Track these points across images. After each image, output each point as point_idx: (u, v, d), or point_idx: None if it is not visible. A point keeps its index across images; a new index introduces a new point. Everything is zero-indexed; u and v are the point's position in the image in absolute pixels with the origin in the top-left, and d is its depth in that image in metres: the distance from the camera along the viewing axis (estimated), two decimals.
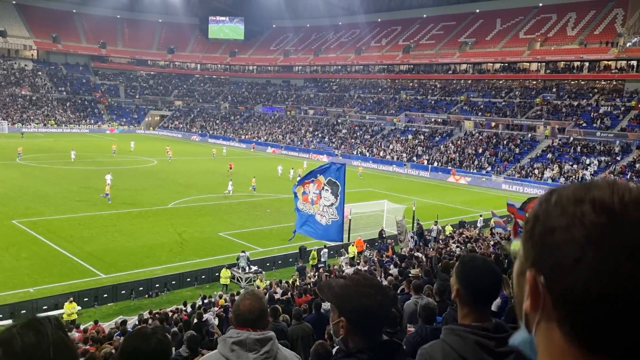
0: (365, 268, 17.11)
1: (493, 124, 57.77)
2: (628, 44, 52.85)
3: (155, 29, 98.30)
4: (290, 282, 17.16)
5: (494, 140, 54.40)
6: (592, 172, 43.56)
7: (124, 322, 13.01)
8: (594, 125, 49.64)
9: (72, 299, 15.71)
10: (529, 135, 53.40)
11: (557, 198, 0.75)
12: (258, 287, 17.60)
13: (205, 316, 11.61)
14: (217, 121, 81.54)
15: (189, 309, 14.35)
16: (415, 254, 17.73)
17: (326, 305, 8.98)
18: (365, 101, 73.72)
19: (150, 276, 19.34)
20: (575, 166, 45.15)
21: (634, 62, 52.70)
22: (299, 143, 66.88)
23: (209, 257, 22.11)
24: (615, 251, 0.67)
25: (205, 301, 15.60)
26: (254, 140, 70.97)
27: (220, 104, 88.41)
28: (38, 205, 28.90)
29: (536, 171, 46.25)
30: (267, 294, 14.35)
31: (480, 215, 29.71)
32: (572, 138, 49.31)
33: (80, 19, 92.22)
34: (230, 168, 43.66)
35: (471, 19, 72.90)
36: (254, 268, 20.51)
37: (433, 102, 66.37)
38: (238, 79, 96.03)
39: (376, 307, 1.81)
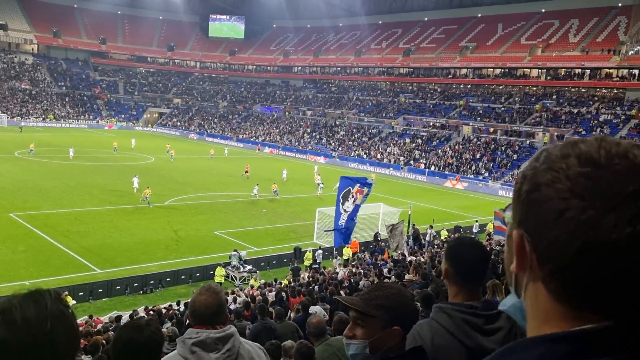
0: (360, 271, 17.22)
1: (491, 129, 57.94)
2: (630, 52, 53.06)
3: (155, 26, 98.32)
4: (284, 282, 17.26)
5: (492, 146, 54.57)
6: None
7: (119, 318, 13.09)
8: (594, 133, 49.75)
9: (67, 292, 15.78)
10: (528, 141, 53.59)
11: (546, 155, 0.74)
12: (252, 287, 17.69)
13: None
14: (215, 120, 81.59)
15: (182, 308, 14.44)
16: (409, 259, 17.84)
17: (314, 308, 9.05)
18: (364, 103, 73.85)
19: (145, 272, 19.42)
20: None
21: (636, 71, 52.81)
22: (297, 144, 66.96)
23: (204, 255, 22.20)
24: (599, 202, 0.65)
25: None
26: (252, 140, 71.04)
27: (219, 102, 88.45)
28: (36, 199, 28.94)
29: None
30: (261, 294, 14.47)
31: (476, 221, 29.85)
32: None
33: (81, 14, 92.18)
34: (247, 172, 41.43)
35: (472, 23, 73.08)
36: (248, 267, 20.60)
37: (432, 106, 66.53)
38: (237, 78, 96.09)
39: (409, 299, 1.83)
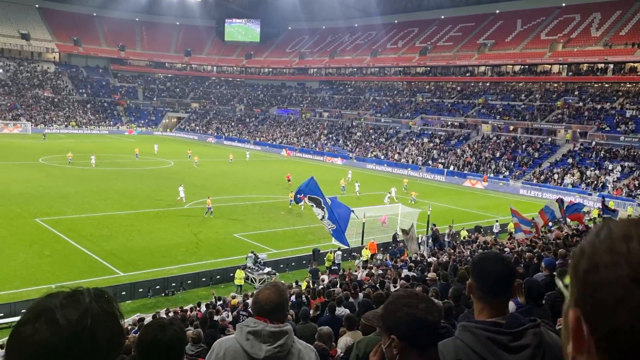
0: (379, 272, 17.13)
1: (512, 127, 57.11)
2: None
3: (172, 31, 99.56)
4: (303, 285, 17.26)
5: (512, 144, 53.77)
6: (615, 178, 42.68)
7: (141, 320, 13.26)
8: (618, 129, 48.52)
9: None
10: (549, 139, 52.62)
11: (606, 233, 0.70)
12: None
13: (217, 318, 11.77)
14: (233, 123, 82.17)
15: (203, 309, 14.55)
16: (429, 259, 17.68)
17: (340, 310, 9.03)
18: (380, 104, 73.56)
19: (167, 275, 19.65)
20: (597, 172, 44.25)
21: None
22: (314, 146, 67.02)
23: (223, 258, 22.36)
24: None
25: (220, 302, 15.78)
26: (270, 142, 71.34)
27: (236, 106, 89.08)
28: (60, 205, 29.53)
29: (556, 176, 45.53)
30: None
31: (497, 221, 29.45)
32: (594, 142, 48.35)
33: (101, 22, 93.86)
34: (289, 180, 39.54)
35: (491, 20, 72.18)
36: (267, 269, 20.68)
37: (450, 105, 65.91)
38: (253, 81, 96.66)
39: (422, 315, 1.77)
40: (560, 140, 52.05)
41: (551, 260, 8.91)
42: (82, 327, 0.96)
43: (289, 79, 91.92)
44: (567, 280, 0.75)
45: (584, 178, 43.91)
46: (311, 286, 16.54)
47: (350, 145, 64.37)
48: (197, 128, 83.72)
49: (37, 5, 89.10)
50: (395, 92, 75.54)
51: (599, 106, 53.11)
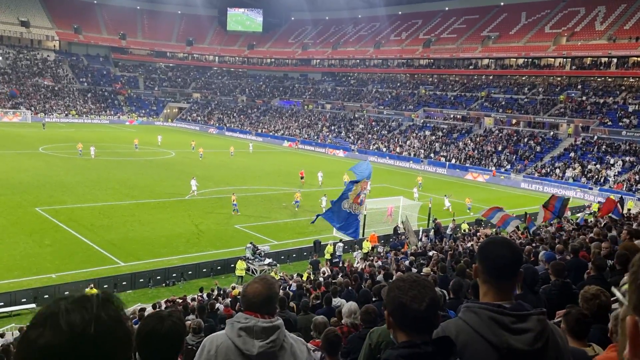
0: (379, 263, 17.09)
1: (514, 121, 56.90)
2: None
3: (174, 20, 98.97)
4: (304, 276, 17.24)
5: (515, 137, 53.61)
6: (617, 172, 42.61)
7: (142, 310, 13.24)
8: (620, 124, 48.37)
9: (92, 285, 16.04)
10: (551, 133, 52.46)
11: None
12: None
13: (217, 306, 11.76)
14: (235, 114, 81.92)
15: (205, 297, 14.55)
16: (430, 253, 17.62)
17: (336, 301, 9.03)
18: (383, 96, 73.27)
19: (168, 265, 19.63)
20: (598, 166, 44.22)
21: None
22: (316, 137, 66.85)
23: (225, 249, 22.33)
24: None
25: (221, 292, 15.77)
26: (271, 134, 71.16)
27: (238, 97, 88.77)
28: (60, 194, 29.48)
29: (557, 170, 45.46)
30: (281, 287, 14.47)
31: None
32: (596, 137, 48.24)
33: (101, 10, 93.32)
34: (302, 177, 38.14)
35: (495, 13, 71.66)
36: (268, 260, 20.66)
37: (453, 97, 65.64)
38: (256, 72, 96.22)
39: (408, 301, 1.81)
40: (562, 134, 51.89)
41: (551, 254, 8.86)
42: (86, 333, 0.98)
43: (292, 70, 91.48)
44: (625, 287, 0.76)
45: (585, 172, 43.83)
46: (311, 278, 16.52)
47: (352, 137, 64.20)
48: (199, 118, 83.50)
49: None
50: (398, 84, 75.20)
51: (601, 100, 52.89)
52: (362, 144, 61.74)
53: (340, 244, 21.91)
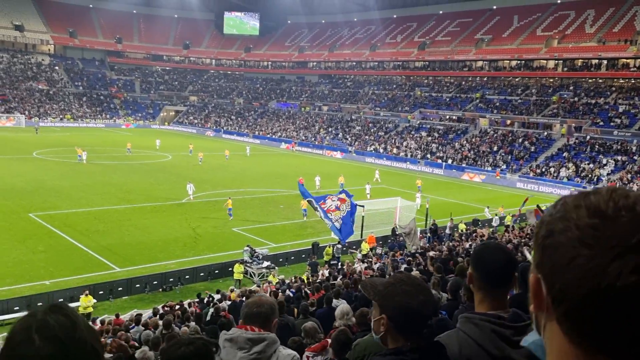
0: (378, 265, 17.05)
1: (509, 121, 57.13)
2: None
3: (171, 24, 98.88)
4: (303, 278, 17.17)
5: (510, 138, 53.83)
6: (609, 172, 42.88)
7: (139, 315, 13.13)
8: (612, 124, 48.84)
9: (87, 292, 15.87)
10: (545, 133, 52.74)
11: (562, 204, 0.80)
12: (270, 283, 17.64)
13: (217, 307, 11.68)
14: (232, 117, 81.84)
15: (205, 300, 14.47)
16: (428, 253, 17.60)
17: (337, 301, 8.96)
18: (379, 98, 73.41)
19: (165, 270, 19.49)
20: (591, 165, 44.48)
21: None
22: (313, 139, 66.86)
23: (222, 252, 22.21)
24: (604, 251, 0.71)
25: (218, 296, 15.67)
26: (269, 136, 71.11)
27: (235, 99, 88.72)
28: (55, 199, 29.28)
29: (552, 170, 45.68)
30: (280, 290, 14.40)
31: (496, 214, 29.44)
32: (588, 137, 48.59)
33: (97, 13, 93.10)
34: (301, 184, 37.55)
35: (488, 16, 72.09)
36: (266, 263, 20.57)
37: (448, 99, 65.86)
38: (253, 74, 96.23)
39: (417, 306, 1.78)
40: (555, 134, 52.15)
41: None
42: (74, 333, 0.97)
43: (288, 73, 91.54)
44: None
45: (579, 171, 44.08)
46: (310, 280, 16.46)
47: (349, 139, 64.25)
48: (196, 121, 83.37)
49: None
50: (394, 86, 75.38)
51: (593, 101, 53.39)
52: (359, 145, 61.79)
53: (339, 246, 21.87)
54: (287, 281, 17.07)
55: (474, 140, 55.48)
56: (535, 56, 60.93)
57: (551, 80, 61.10)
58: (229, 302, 13.77)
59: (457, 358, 1.89)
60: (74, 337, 0.96)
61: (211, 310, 11.61)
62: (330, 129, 68.78)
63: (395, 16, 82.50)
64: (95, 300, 16.13)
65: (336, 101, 77.12)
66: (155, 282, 18.69)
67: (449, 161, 52.46)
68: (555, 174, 44.91)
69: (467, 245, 18.64)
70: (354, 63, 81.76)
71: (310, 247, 22.35)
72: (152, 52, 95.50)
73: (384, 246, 23.53)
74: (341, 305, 6.88)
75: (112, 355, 6.67)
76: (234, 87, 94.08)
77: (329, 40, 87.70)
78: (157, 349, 7.58)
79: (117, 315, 14.07)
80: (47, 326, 0.96)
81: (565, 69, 59.20)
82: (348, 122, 69.18)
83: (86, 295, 15.70)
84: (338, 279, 14.38)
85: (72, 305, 15.80)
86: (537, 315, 0.81)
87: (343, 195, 21.92)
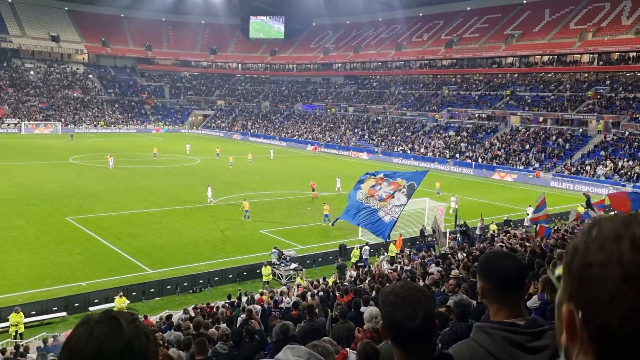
0: (408, 267, 16.85)
1: (541, 118, 55.75)
2: None
3: (198, 30, 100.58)
4: (330, 280, 17.12)
5: (542, 135, 52.49)
6: None
7: (169, 317, 13.35)
8: None
9: (121, 293, 16.26)
10: (580, 130, 51.14)
11: (598, 232, 0.74)
12: (299, 285, 17.66)
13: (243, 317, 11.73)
14: (259, 120, 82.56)
15: (235, 302, 14.57)
16: (457, 254, 17.31)
17: (365, 307, 8.87)
18: (406, 98, 72.78)
19: (195, 272, 19.77)
20: (630, 162, 42.87)
21: None
22: (339, 141, 66.78)
23: (250, 254, 22.38)
24: None
25: (246, 298, 15.78)
26: (295, 138, 71.38)
27: (261, 102, 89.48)
28: (89, 203, 30.12)
29: (588, 168, 44.25)
30: (306, 292, 14.40)
31: (528, 214, 28.71)
32: (627, 133, 46.86)
33: (128, 22, 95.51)
34: (313, 190, 34.25)
35: (518, 11, 70.57)
36: (293, 265, 20.61)
37: (477, 97, 64.73)
38: (278, 77, 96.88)
39: (399, 319, 1.72)
40: (591, 130, 50.52)
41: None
42: (117, 346, 1.04)
43: (314, 75, 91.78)
44: (559, 271, 0.79)
45: (617, 169, 42.54)
46: (338, 282, 16.40)
47: (375, 140, 63.91)
48: (223, 125, 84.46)
49: (66, 8, 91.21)
50: (421, 85, 74.61)
51: (631, 95, 51.44)
52: (385, 146, 61.37)
53: (367, 247, 21.73)
54: (315, 283, 17.06)
55: (504, 138, 54.35)
56: (569, 50, 59.24)
57: (586, 74, 59.35)
58: (258, 306, 13.83)
59: None
60: (124, 343, 1.03)
61: (242, 315, 11.67)
62: (356, 130, 68.58)
63: (420, 14, 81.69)
64: (128, 302, 16.50)
65: (362, 102, 76.85)
66: (185, 284, 18.98)
67: (479, 160, 51.53)
68: (591, 172, 43.48)
69: (497, 246, 18.22)
70: (380, 63, 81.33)
71: (338, 249, 22.31)
72: (181, 58, 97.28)
73: (411, 247, 23.27)
74: (370, 308, 6.86)
75: None
76: (260, 90, 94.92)
77: (354, 41, 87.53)
78: (188, 350, 7.68)
79: (146, 317, 14.32)
80: (99, 334, 1.04)
81: (601, 62, 57.29)
82: (374, 123, 68.84)
83: (120, 296, 16.08)
84: (366, 282, 14.28)
85: (107, 306, 16.26)
86: (569, 347, 0.75)
87: (399, 180, 18.26)
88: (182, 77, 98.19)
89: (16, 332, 14.63)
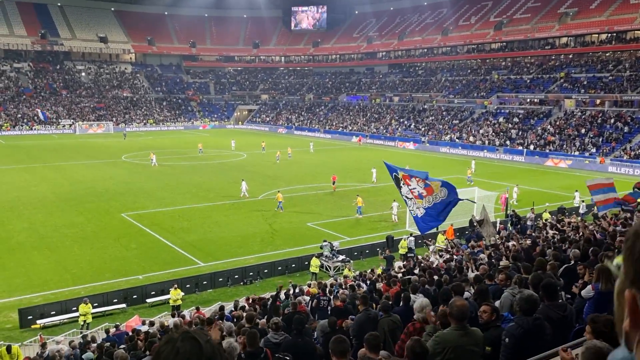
0: (457, 257, 16.47)
1: (598, 101, 52.96)
2: None
3: (240, 24, 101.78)
4: (378, 271, 17.00)
5: (599, 119, 49.87)
6: None
7: (222, 308, 13.67)
8: None
9: (176, 285, 16.81)
10: None
11: None
12: (346, 277, 17.64)
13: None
14: (303, 113, 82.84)
15: (282, 296, 14.72)
16: (507, 244, 16.74)
17: (414, 296, 8.74)
18: (453, 84, 70.94)
19: (244, 265, 20.14)
20: None
21: None
22: (384, 131, 66.04)
23: (298, 247, 22.57)
24: None
25: (297, 290, 15.90)
26: (340, 130, 71.16)
27: (305, 95, 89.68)
28: (143, 200, 31.23)
29: None
30: (355, 282, 14.35)
31: (582, 201, 27.43)
32: None
33: (172, 20, 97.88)
34: (334, 182, 34.18)
35: None
36: (341, 257, 20.61)
37: (528, 80, 62.24)
38: (321, 69, 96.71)
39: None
40: None
41: None
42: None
43: (357, 65, 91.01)
44: (618, 260, 0.79)
45: None
46: (384, 274, 16.25)
47: (422, 129, 62.76)
48: (268, 119, 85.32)
49: (112, 9, 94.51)
50: (469, 71, 72.50)
51: None
52: (432, 135, 60.18)
53: (412, 239, 21.41)
54: (364, 274, 16.99)
55: (558, 123, 52.06)
56: (629, 27, 55.78)
57: None
58: (307, 297, 13.92)
59: None
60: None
61: (289, 306, 11.77)
62: (401, 120, 67.59)
63: None
64: (183, 294, 17.04)
65: (407, 91, 75.56)
66: (236, 276, 19.39)
67: (531, 147, 49.62)
68: None
69: (550, 233, 17.48)
70: (425, 50, 79.60)
71: (385, 240, 22.11)
72: (224, 53, 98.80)
73: (461, 238, 22.74)
74: (420, 299, 6.89)
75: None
76: (303, 83, 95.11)
77: (397, 28, 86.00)
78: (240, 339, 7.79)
79: (198, 308, 14.74)
80: (184, 351, 1.19)
81: None
82: (420, 112, 67.58)
83: (175, 288, 16.63)
84: (415, 272, 14.06)
85: (163, 297, 16.87)
86: (630, 332, 0.74)
87: (436, 185, 17.95)
88: (226, 73, 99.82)
89: (84, 321, 15.54)
